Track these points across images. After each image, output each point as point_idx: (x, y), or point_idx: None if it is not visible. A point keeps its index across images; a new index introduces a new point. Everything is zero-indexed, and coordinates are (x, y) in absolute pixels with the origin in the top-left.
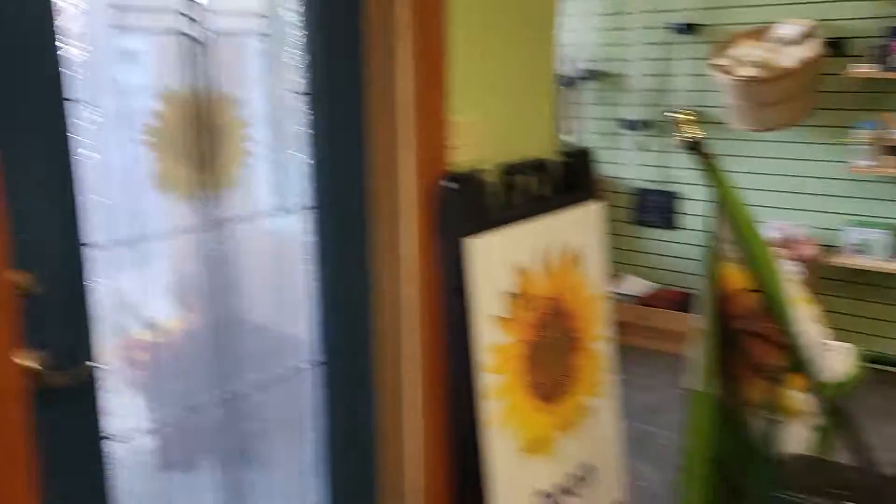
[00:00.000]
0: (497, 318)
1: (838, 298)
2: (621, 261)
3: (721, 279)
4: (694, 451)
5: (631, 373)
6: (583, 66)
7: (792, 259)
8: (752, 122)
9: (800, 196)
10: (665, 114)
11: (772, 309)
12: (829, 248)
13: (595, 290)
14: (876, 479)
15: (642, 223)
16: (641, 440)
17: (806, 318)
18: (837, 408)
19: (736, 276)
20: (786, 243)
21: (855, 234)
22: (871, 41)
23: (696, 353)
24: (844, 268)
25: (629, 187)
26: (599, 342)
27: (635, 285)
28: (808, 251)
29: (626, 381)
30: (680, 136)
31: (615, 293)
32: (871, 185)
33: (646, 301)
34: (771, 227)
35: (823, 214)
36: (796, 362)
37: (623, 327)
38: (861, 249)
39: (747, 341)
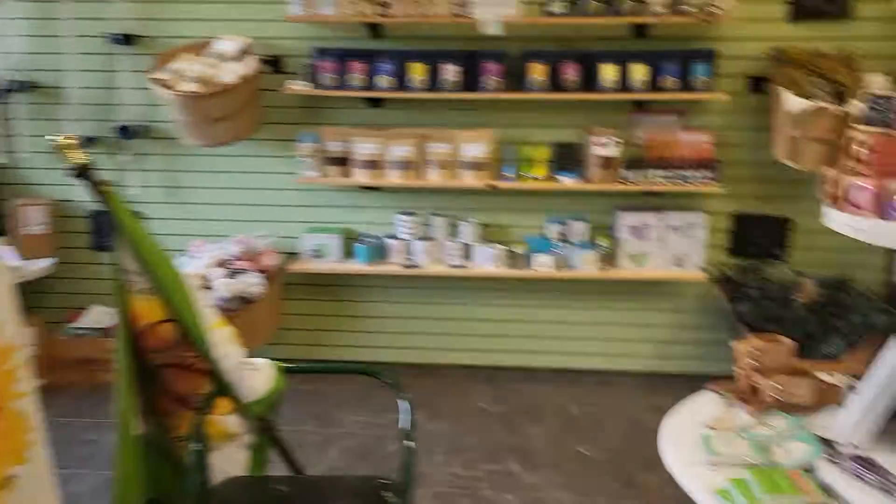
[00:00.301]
0: None
1: (300, 302)
2: (82, 291)
3: (133, 313)
4: (123, 493)
5: (101, 414)
6: (8, 76)
7: (255, 270)
8: (202, 137)
9: (259, 208)
10: (47, 138)
11: (189, 337)
12: (291, 255)
13: (4, 342)
14: (302, 483)
15: (101, 248)
16: None
17: (224, 342)
18: (266, 423)
19: (148, 308)
20: (248, 255)
21: (311, 241)
22: (302, 60)
23: (116, 393)
24: (305, 273)
25: (83, 210)
26: (19, 400)
27: (101, 316)
28: (270, 261)
29: (98, 425)
30: (66, 163)
31: (78, 328)
32: (319, 194)
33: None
34: (233, 241)
35: (282, 224)
36: (220, 387)
37: (90, 365)
38: (317, 254)
39: (168, 374)
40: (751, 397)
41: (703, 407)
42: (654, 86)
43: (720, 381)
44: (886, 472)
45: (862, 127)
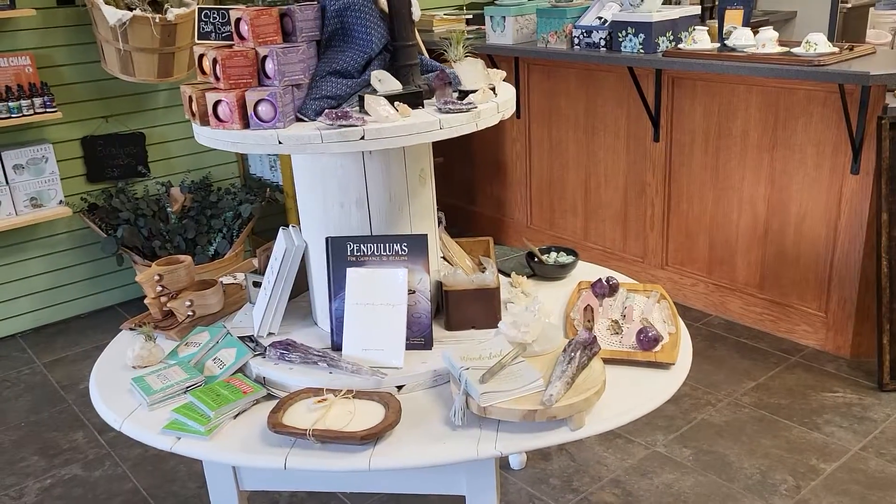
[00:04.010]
0: None
1: None
2: None
3: None
4: None
5: None
6: None
7: None
8: None
9: None
10: None
11: None
12: None
13: None
14: None
15: None
16: None
17: None
18: None
19: None
20: None
21: None
22: None
23: None
24: None
25: None
26: None
27: None
28: None
29: None
30: None
31: None
32: None
33: None
34: None
35: None
36: None
37: None
38: None
39: None
40: (168, 322)
41: (124, 349)
42: None
43: (134, 318)
44: (305, 347)
45: (202, 42)
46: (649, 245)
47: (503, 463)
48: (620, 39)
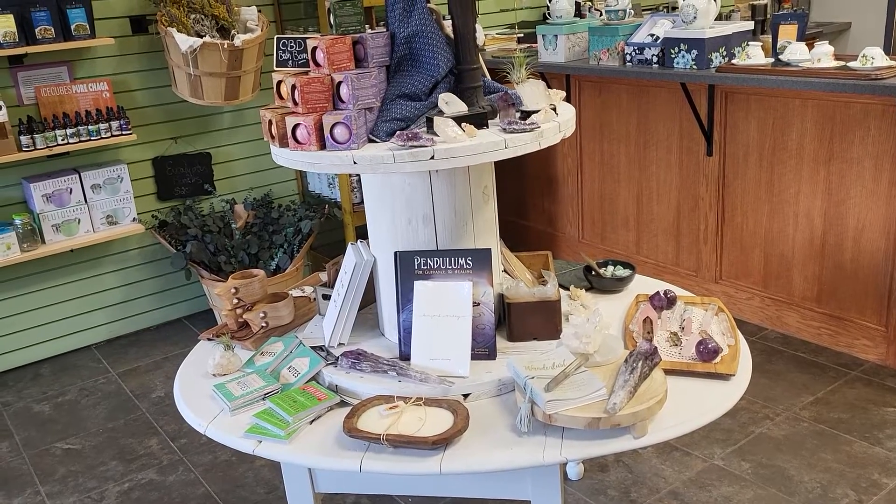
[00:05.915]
0: None
1: None
2: None
3: None
4: None
5: None
6: None
7: None
8: None
9: None
10: None
11: None
12: None
13: None
14: None
15: None
16: None
17: None
18: None
19: None
20: None
21: None
22: None
23: None
24: None
25: None
26: None
27: None
28: None
29: None
30: None
31: None
32: None
33: None
34: None
35: None
36: None
37: None
38: None
39: None
40: (243, 333)
41: (203, 359)
42: (29, 38)
43: (211, 329)
44: (375, 356)
45: (280, 69)
46: (703, 259)
47: None
48: (673, 56)
